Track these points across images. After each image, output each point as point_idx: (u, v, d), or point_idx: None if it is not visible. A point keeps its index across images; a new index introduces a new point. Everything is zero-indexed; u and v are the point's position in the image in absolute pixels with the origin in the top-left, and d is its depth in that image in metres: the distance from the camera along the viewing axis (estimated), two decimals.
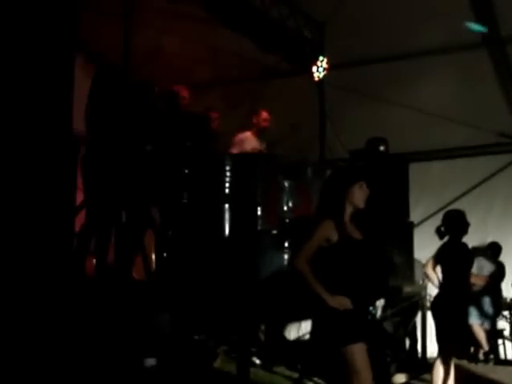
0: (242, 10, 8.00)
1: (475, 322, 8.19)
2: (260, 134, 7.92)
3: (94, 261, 6.18)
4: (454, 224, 6.32)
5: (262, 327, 7.71)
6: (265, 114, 7.98)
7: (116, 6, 6.56)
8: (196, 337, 6.72)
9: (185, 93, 6.99)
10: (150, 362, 6.11)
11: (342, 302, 4.27)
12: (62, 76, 5.20)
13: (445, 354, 6.17)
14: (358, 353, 4.25)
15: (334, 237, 4.32)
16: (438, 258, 6.35)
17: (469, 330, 6.58)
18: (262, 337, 7.86)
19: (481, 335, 8.31)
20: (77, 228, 5.95)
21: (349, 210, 4.43)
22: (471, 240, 6.63)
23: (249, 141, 7.80)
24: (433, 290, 7.33)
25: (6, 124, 4.92)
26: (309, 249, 4.33)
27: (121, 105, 6.05)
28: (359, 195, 4.44)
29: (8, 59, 4.97)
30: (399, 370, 7.36)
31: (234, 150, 7.65)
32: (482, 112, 8.82)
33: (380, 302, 7.27)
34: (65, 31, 5.39)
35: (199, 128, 6.89)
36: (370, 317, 4.56)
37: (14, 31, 4.96)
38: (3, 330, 4.72)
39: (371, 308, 4.64)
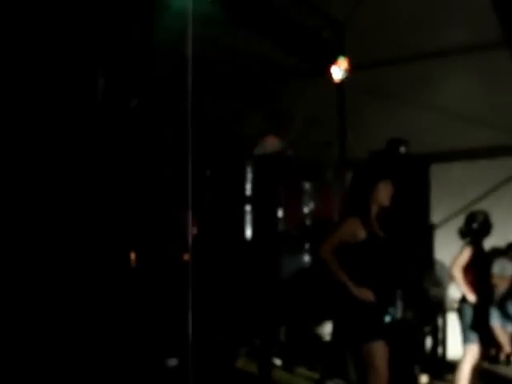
0: (261, 11, 8.01)
1: (497, 324, 8.13)
2: (282, 135, 7.93)
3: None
4: (476, 225, 6.29)
5: (283, 328, 7.71)
6: (288, 119, 8.01)
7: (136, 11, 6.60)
8: (218, 337, 6.75)
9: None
10: (172, 362, 6.14)
11: (364, 294, 4.30)
12: (86, 82, 5.28)
13: (470, 356, 6.14)
14: (377, 350, 4.30)
15: (361, 234, 4.36)
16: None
17: (491, 331, 6.54)
18: (283, 337, 7.86)
19: (503, 337, 8.25)
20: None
21: (374, 208, 4.47)
22: (492, 241, 6.60)
23: (271, 143, 7.81)
24: (454, 292, 7.31)
25: (38, 128, 5.00)
26: (334, 239, 4.38)
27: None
28: (384, 193, 4.49)
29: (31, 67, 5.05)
30: (421, 371, 7.34)
31: (254, 151, 7.66)
32: (503, 112, 8.77)
33: (399, 304, 7.25)
34: (88, 37, 5.46)
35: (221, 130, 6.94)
36: (390, 317, 4.57)
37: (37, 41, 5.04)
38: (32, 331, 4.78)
39: (391, 308, 4.65)
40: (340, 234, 4.41)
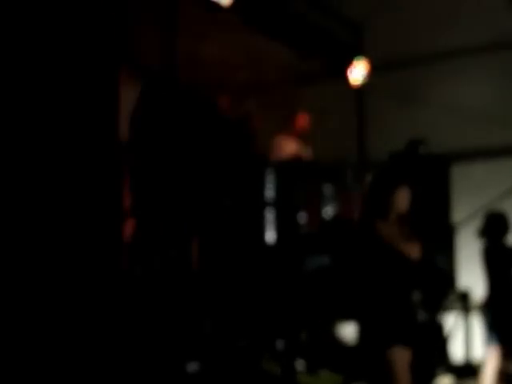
0: (278, 15, 8.03)
1: None
2: (300, 137, 7.93)
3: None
4: (494, 226, 6.27)
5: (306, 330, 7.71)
6: (304, 118, 7.99)
7: (156, 14, 6.65)
8: (239, 341, 6.76)
9: (223, 100, 7.06)
10: (193, 366, 6.15)
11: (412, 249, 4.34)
12: (108, 85, 5.29)
13: (494, 358, 6.11)
14: (400, 355, 4.30)
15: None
16: (481, 261, 6.31)
17: None
18: (306, 340, 7.86)
19: None
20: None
21: (393, 214, 4.48)
22: None
23: (287, 145, 7.81)
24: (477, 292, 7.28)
25: (53, 133, 5.02)
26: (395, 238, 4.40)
27: (167, 116, 6.15)
28: (402, 200, 4.50)
29: (54, 70, 5.07)
30: (444, 373, 7.30)
31: (273, 155, 7.66)
32: None
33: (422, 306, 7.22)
34: (110, 40, 5.47)
35: (239, 132, 6.95)
36: (413, 319, 4.58)
37: (61, 43, 5.05)
38: (51, 336, 4.80)
39: (414, 311, 4.65)
40: (393, 231, 4.42)
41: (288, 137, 7.94)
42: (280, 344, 6.42)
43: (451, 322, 7.98)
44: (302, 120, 7.99)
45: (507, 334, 6.13)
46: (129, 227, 6.19)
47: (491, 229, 6.28)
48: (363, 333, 4.56)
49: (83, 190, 5.07)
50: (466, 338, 8.19)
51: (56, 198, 4.94)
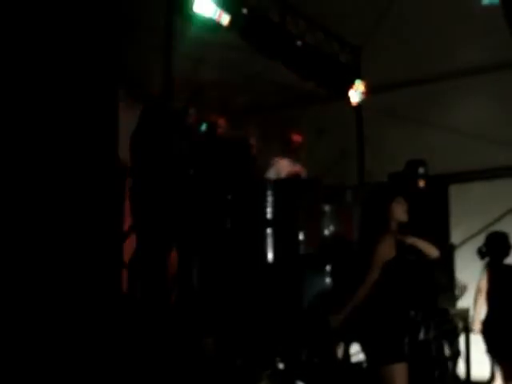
0: (277, 37, 8.10)
1: None
2: (295, 156, 7.95)
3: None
4: (496, 246, 6.29)
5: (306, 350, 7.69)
6: (297, 137, 8.03)
7: (154, 37, 6.71)
8: (239, 361, 6.75)
9: (221, 122, 7.12)
10: None
11: None
12: (107, 107, 5.34)
13: (503, 377, 6.10)
14: (398, 373, 4.30)
15: (392, 253, 4.41)
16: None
17: None
18: (306, 359, 7.84)
19: None
20: (126, 256, 6.09)
21: (393, 226, 4.52)
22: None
23: (284, 165, 7.83)
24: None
25: (54, 155, 5.06)
26: (377, 265, 4.42)
27: (167, 139, 6.21)
28: (399, 210, 4.55)
29: (53, 93, 5.12)
30: None
31: (270, 175, 7.68)
32: None
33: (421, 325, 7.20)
34: (108, 64, 5.53)
35: (239, 154, 7.00)
36: (413, 337, 4.59)
37: (60, 66, 5.11)
38: (52, 354, 4.81)
39: (412, 329, 4.66)
40: (380, 258, 4.43)
41: (284, 157, 7.97)
42: (280, 364, 6.42)
43: (452, 341, 7.97)
44: (297, 139, 8.01)
45: (507, 354, 6.11)
46: (129, 247, 6.23)
47: (492, 248, 6.30)
48: (363, 350, 4.57)
49: (84, 211, 5.11)
50: (467, 356, 8.17)
51: (58, 217, 4.98)
